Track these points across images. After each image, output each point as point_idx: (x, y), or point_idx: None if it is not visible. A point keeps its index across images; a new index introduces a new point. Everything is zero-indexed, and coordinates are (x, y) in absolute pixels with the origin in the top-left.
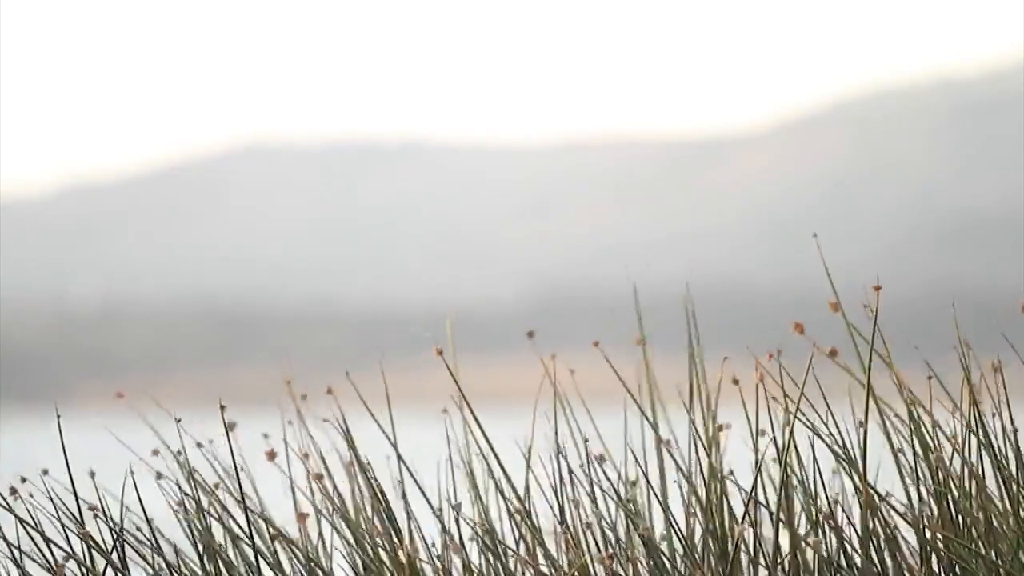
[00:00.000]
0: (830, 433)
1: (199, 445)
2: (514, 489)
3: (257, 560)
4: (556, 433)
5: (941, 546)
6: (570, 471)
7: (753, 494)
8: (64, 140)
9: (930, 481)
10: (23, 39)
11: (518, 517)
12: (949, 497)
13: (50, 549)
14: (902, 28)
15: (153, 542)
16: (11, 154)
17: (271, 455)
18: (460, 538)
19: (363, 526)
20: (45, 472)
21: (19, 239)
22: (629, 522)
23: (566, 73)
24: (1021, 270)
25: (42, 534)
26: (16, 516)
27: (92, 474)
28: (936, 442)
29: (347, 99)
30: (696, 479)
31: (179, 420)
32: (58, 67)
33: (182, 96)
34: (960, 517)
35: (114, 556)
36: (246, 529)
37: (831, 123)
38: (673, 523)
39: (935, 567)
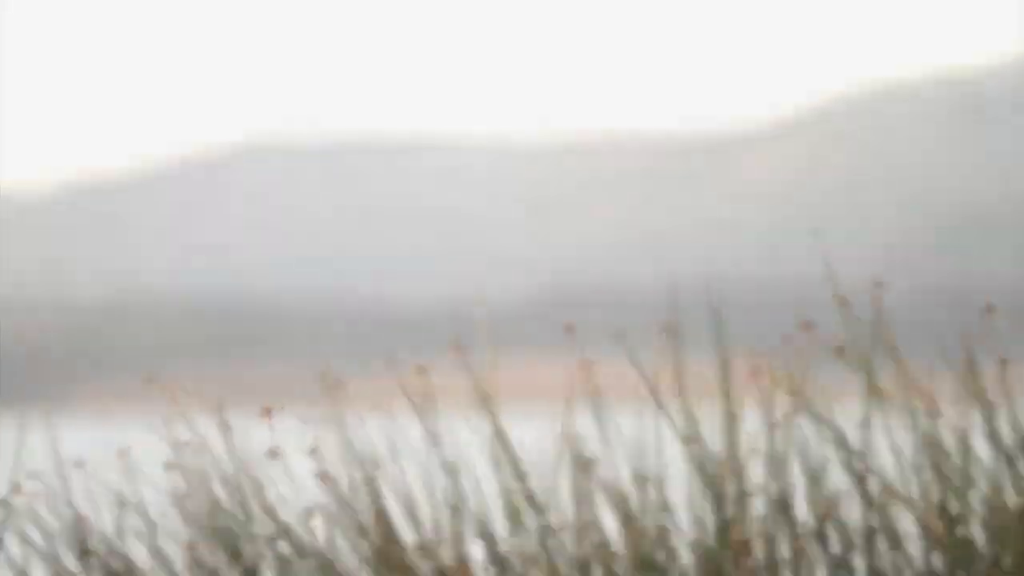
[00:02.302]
0: (833, 427)
1: (185, 446)
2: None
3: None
4: (564, 433)
5: (943, 537)
6: (587, 468)
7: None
8: (64, 140)
9: (934, 473)
10: (23, 39)
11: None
12: (952, 488)
13: (55, 549)
14: (902, 28)
15: (153, 541)
16: (11, 154)
17: (312, 451)
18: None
19: (376, 525)
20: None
21: (19, 239)
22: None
23: (566, 73)
24: (1021, 270)
25: (46, 534)
26: (28, 516)
27: (94, 474)
28: (939, 436)
29: (349, 98)
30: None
31: (171, 423)
32: (58, 66)
33: (183, 96)
34: (963, 508)
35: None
36: (252, 528)
37: (831, 123)
38: (692, 519)
39: (935, 560)
